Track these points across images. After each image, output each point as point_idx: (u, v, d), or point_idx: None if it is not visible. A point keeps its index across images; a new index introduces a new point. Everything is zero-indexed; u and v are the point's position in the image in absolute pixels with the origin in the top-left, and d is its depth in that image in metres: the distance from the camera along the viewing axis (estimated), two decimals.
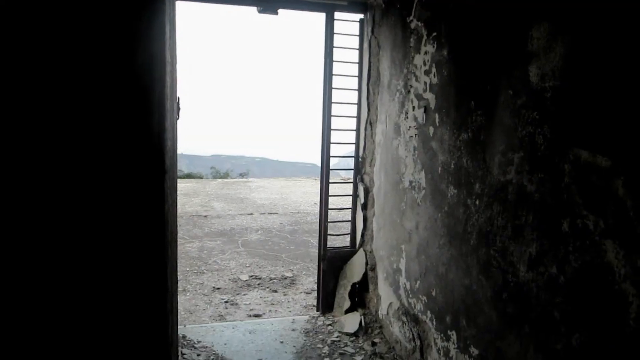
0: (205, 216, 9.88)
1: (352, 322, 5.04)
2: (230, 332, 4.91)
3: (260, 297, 5.92)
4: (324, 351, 4.59)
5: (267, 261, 7.31)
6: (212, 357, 4.40)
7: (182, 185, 12.91)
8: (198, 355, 4.42)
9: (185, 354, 4.39)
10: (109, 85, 2.37)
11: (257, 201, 11.64)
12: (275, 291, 6.13)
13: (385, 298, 4.79)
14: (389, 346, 4.62)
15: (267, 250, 7.83)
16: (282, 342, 4.73)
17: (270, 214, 10.30)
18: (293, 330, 5.00)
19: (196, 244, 8.02)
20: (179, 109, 3.71)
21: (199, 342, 4.66)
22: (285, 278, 6.61)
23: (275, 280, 6.50)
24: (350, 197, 5.40)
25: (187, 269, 6.80)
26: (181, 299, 5.72)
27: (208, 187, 13.62)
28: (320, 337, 4.86)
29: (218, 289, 6.14)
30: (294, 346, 4.67)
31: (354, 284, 5.28)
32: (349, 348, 4.65)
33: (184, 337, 4.71)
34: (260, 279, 6.54)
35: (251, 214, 10.25)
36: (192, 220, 9.54)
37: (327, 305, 5.39)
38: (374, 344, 4.68)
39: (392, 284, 4.61)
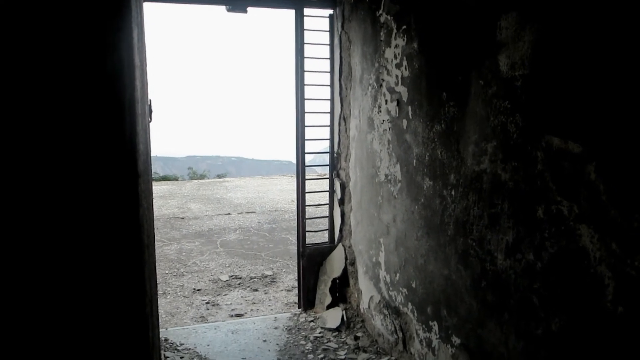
0: (182, 218, 9.83)
1: (334, 317, 5.05)
2: (213, 333, 4.89)
3: (242, 297, 5.90)
4: (307, 347, 4.60)
5: (246, 260, 7.29)
6: (195, 359, 4.38)
7: (158, 188, 12.82)
8: (181, 358, 4.40)
9: (168, 357, 4.37)
10: (78, 91, 2.34)
11: (234, 200, 11.60)
12: (256, 290, 6.12)
13: (366, 292, 4.81)
14: (371, 340, 4.63)
15: (246, 250, 7.81)
16: (265, 341, 4.73)
17: (248, 213, 10.27)
18: (275, 328, 5.00)
19: (174, 246, 7.97)
20: (150, 111, 3.68)
21: (181, 344, 4.63)
22: (266, 276, 6.60)
23: (255, 279, 6.48)
24: (327, 193, 5.39)
25: (167, 272, 6.75)
26: (162, 302, 5.68)
27: (184, 188, 13.54)
28: (303, 333, 4.86)
29: (198, 290, 6.11)
30: (277, 344, 4.67)
31: (334, 279, 5.28)
32: (332, 343, 4.66)
33: (166, 340, 4.68)
34: (240, 278, 6.52)
35: (229, 213, 10.22)
36: (170, 222, 9.47)
37: (308, 302, 5.39)
38: (356, 338, 4.70)
39: (372, 278, 4.63)
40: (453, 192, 3.24)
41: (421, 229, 3.70)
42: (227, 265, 7.04)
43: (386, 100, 4.17)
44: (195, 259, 7.33)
